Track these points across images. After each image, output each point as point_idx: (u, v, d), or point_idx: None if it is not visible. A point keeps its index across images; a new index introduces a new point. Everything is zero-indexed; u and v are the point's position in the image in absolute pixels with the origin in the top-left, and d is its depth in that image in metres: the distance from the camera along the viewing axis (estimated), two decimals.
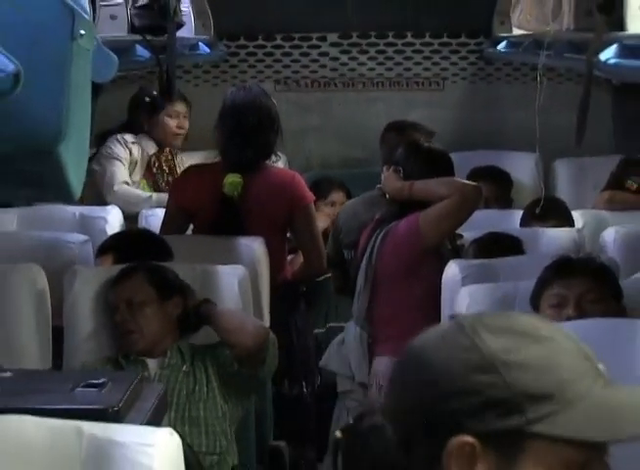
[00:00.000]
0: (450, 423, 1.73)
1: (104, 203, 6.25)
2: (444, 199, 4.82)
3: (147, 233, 5.27)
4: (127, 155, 6.40)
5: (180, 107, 6.59)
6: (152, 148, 6.52)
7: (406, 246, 4.92)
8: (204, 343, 4.44)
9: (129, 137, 6.46)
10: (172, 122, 6.47)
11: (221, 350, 4.36)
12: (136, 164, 6.43)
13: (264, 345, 4.34)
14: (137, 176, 6.52)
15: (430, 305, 4.58)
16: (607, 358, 3.36)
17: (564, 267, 3.89)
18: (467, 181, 5.18)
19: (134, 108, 6.61)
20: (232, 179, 5.26)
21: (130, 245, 4.95)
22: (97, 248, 5.15)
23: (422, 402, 1.78)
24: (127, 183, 6.41)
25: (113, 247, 5.01)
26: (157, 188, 6.52)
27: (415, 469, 1.81)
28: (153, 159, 6.52)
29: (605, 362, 3.32)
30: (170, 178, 6.50)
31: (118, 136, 6.42)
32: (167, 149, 6.58)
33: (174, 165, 6.61)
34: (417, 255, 4.83)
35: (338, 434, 2.34)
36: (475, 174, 6.10)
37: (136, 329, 4.33)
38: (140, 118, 6.55)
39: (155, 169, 6.54)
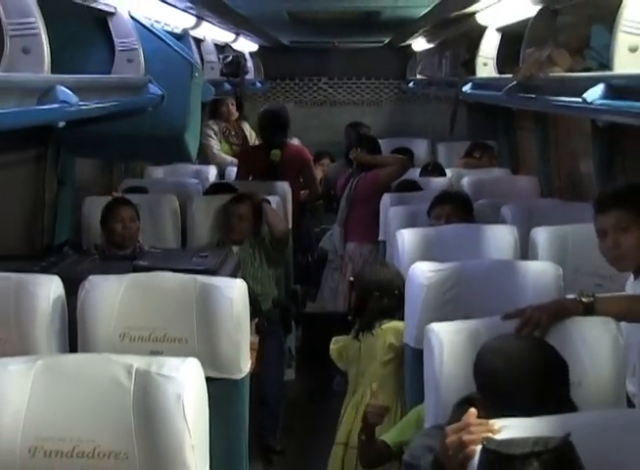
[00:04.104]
0: None
1: (208, 162, 6.13)
2: (392, 165, 4.90)
3: (228, 183, 5.15)
4: (212, 131, 6.25)
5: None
6: (221, 124, 6.26)
7: (370, 186, 4.87)
8: None
9: (211, 122, 6.26)
10: (226, 109, 6.24)
11: (266, 242, 4.32)
12: (216, 134, 6.28)
13: (288, 236, 4.31)
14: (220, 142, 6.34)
15: (377, 215, 4.50)
16: (461, 248, 3.30)
17: (438, 199, 3.82)
18: (403, 156, 5.18)
19: (214, 107, 6.40)
20: (275, 152, 5.22)
21: (221, 188, 4.88)
22: (207, 187, 5.06)
23: None
24: (218, 149, 6.23)
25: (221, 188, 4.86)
26: (232, 146, 6.31)
27: None
28: (224, 129, 6.31)
29: (461, 251, 3.24)
30: (240, 140, 6.31)
31: (205, 123, 6.25)
32: (231, 123, 6.31)
33: (242, 131, 6.38)
34: (375, 190, 4.74)
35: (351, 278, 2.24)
36: (394, 151, 5.98)
37: (240, 228, 4.26)
38: (216, 111, 6.33)
39: (227, 135, 6.31)
